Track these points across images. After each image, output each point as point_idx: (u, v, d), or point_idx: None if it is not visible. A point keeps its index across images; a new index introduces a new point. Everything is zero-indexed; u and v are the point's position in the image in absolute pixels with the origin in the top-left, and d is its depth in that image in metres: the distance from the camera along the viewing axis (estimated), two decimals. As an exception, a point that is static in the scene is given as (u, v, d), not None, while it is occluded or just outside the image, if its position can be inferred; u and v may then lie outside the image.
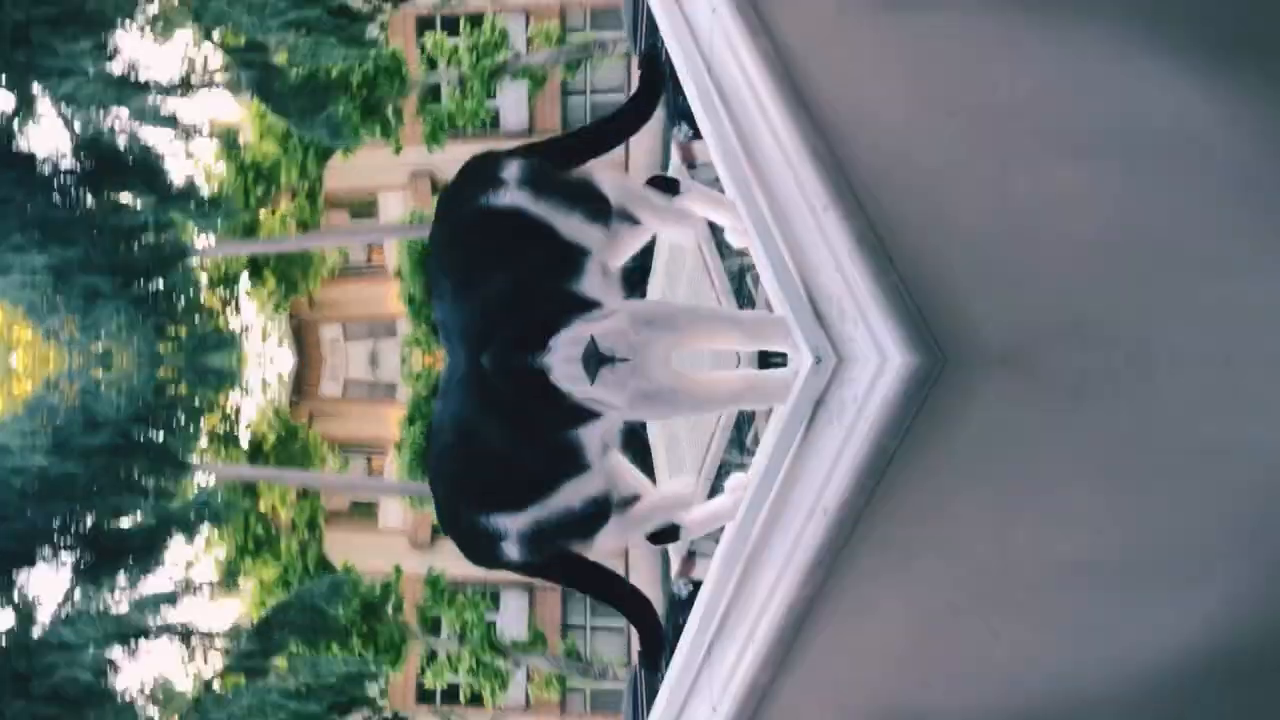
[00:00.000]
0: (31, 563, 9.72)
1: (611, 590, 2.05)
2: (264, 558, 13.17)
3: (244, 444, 14.29)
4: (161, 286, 10.77)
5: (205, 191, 12.17)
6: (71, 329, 9.94)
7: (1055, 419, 1.16)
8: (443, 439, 1.92)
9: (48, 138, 9.93)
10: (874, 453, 1.48)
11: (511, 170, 1.87)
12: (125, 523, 11.28)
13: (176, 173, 11.37)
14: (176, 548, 11.88)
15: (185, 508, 11.69)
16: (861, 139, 1.57)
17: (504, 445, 1.84)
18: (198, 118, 11.87)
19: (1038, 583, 1.22)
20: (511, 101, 13.25)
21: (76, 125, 9.73)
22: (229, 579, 13.05)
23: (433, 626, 13.23)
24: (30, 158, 9.07)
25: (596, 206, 1.91)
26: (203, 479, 13.11)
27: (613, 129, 2.09)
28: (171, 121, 10.56)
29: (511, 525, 1.82)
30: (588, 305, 1.85)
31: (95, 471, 9.86)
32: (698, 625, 2.03)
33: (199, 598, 11.90)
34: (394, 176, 13.96)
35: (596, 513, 1.88)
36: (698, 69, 1.99)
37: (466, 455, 1.89)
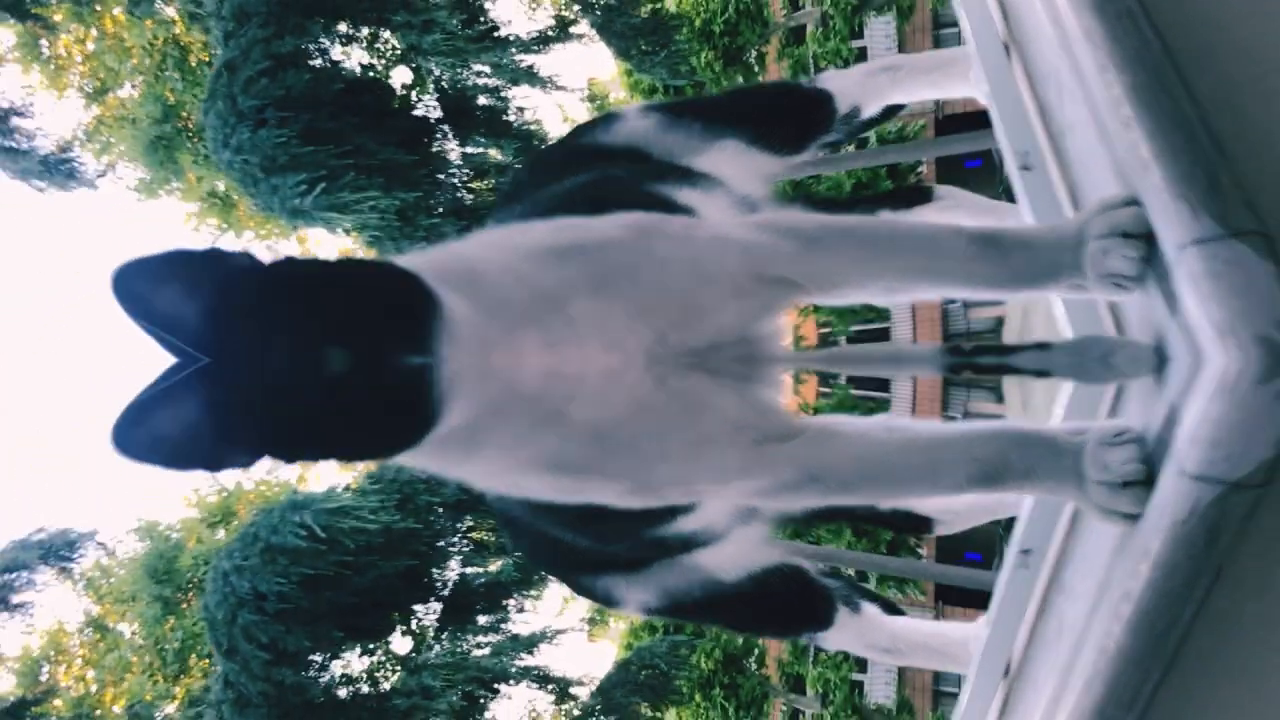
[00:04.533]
0: (390, 612, 10.04)
1: None
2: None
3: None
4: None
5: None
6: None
7: None
8: None
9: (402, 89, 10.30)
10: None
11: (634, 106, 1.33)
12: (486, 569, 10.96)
13: (546, 127, 11.39)
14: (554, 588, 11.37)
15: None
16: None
17: None
18: (564, 73, 11.51)
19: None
20: (879, 37, 12.35)
21: (438, 79, 10.07)
22: (595, 623, 12.73)
23: (796, 684, 12.42)
24: (384, 106, 9.43)
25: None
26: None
27: None
28: (532, 77, 10.80)
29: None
30: (671, 209, 1.11)
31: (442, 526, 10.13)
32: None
33: (565, 641, 11.71)
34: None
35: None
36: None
37: None
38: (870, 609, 1.43)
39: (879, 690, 12.16)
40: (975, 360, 0.97)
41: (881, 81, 1.46)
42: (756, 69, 11.92)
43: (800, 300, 1.02)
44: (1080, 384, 1.30)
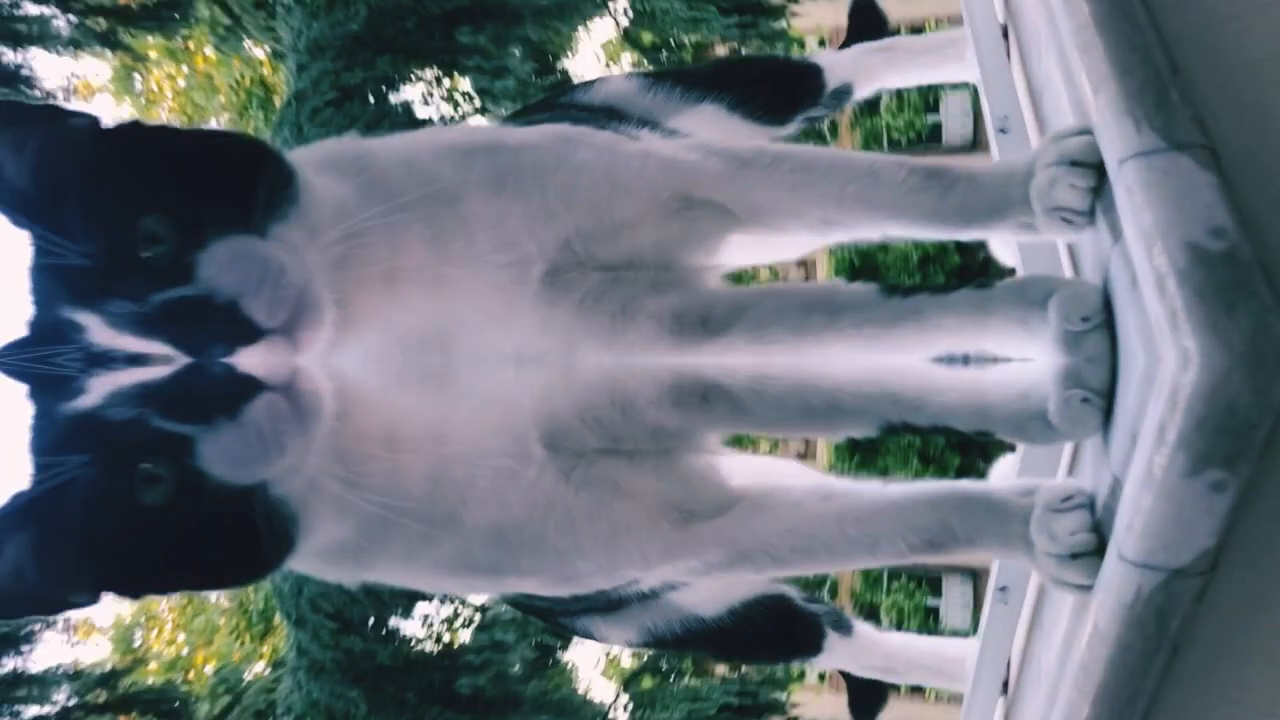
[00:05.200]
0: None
1: None
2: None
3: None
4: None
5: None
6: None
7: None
8: None
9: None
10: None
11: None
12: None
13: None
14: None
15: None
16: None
17: None
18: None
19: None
20: (955, 112, 11.94)
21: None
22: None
23: (870, 613, 12.55)
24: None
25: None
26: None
27: None
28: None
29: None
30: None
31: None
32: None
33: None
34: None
35: None
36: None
37: None
38: (863, 629, 1.38)
39: (955, 615, 11.75)
40: (912, 298, 0.89)
41: (875, 60, 1.42)
42: (829, 137, 11.97)
43: (734, 233, 0.96)
44: (1025, 444, 1.24)
